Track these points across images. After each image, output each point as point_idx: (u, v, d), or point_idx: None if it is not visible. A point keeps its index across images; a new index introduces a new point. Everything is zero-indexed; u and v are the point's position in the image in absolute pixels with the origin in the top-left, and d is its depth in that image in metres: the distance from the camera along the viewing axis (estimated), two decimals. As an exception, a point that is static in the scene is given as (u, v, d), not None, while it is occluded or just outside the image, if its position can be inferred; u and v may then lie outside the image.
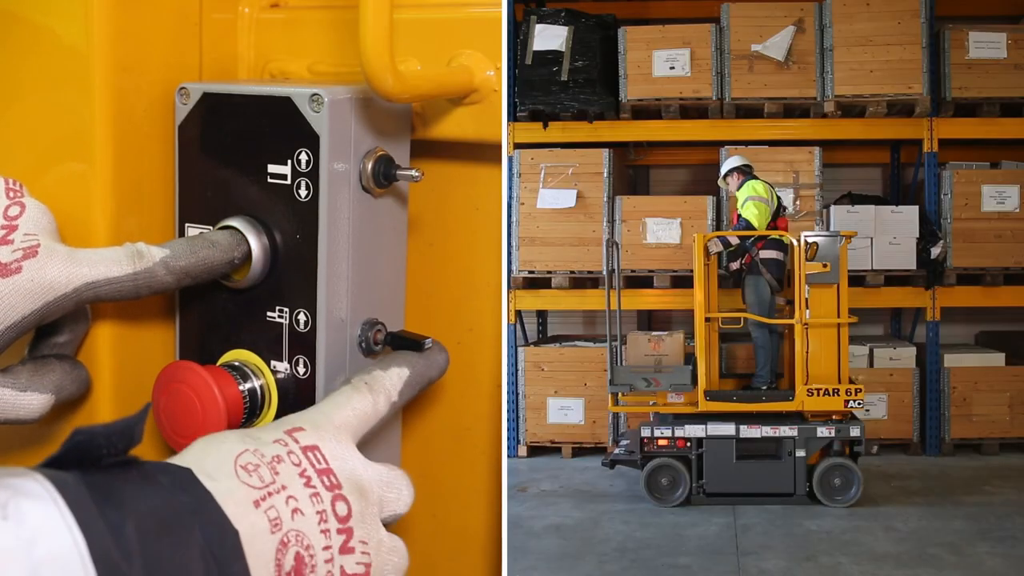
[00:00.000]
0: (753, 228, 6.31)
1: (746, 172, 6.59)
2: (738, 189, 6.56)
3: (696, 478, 5.97)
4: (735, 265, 6.47)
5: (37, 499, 0.72)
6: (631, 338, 6.84)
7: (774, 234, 6.35)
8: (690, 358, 6.49)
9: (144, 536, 0.76)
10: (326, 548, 0.93)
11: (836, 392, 5.94)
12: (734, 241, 6.36)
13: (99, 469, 0.79)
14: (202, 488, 0.85)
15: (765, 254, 6.37)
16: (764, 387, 6.31)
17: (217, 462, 0.90)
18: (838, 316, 6.04)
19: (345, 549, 0.94)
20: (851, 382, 6.01)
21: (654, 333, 7.01)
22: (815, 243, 6.06)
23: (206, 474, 0.87)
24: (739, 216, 6.48)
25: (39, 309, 1.07)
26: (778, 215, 6.48)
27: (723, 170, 6.75)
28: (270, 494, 0.90)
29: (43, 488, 0.73)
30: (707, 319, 6.21)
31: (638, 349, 6.77)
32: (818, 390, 5.94)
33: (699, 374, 6.09)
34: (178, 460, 0.89)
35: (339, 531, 0.94)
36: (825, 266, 5.99)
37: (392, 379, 1.13)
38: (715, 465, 5.95)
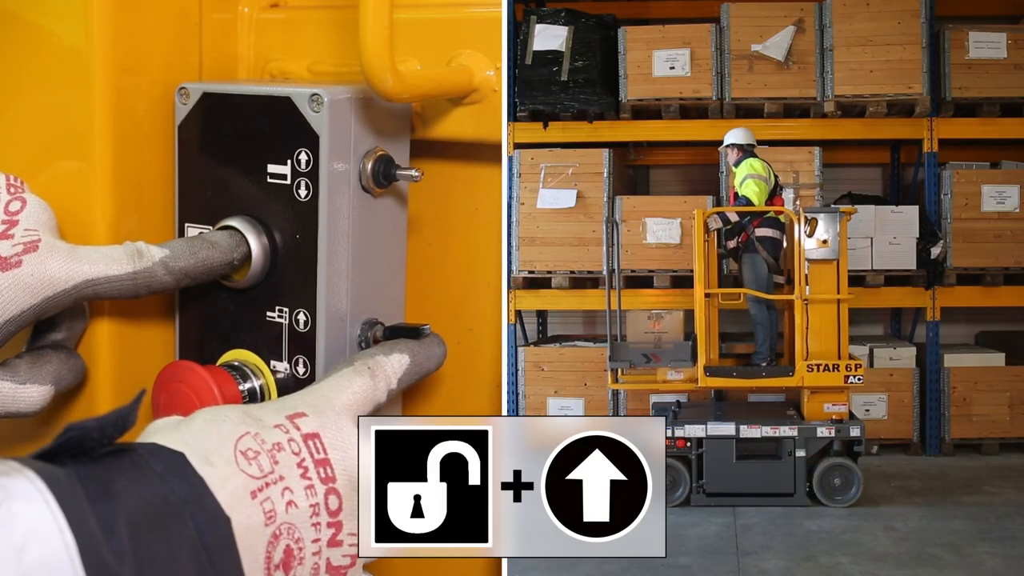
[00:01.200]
0: (752, 205, 6.31)
1: (746, 150, 6.59)
2: (736, 165, 6.55)
3: (696, 478, 5.97)
4: (732, 243, 6.47)
5: (28, 500, 0.72)
6: (631, 316, 6.82)
7: (772, 210, 6.34)
8: (689, 335, 6.47)
9: (135, 532, 0.75)
10: (315, 541, 0.93)
11: (836, 368, 5.94)
12: (733, 218, 6.35)
13: (92, 459, 0.78)
14: (196, 476, 0.84)
15: (761, 232, 6.36)
16: (764, 364, 6.29)
17: (216, 445, 0.89)
18: (838, 292, 6.04)
19: (333, 542, 0.95)
20: (851, 358, 6.01)
21: (654, 311, 6.97)
22: (815, 219, 6.06)
23: (203, 457, 0.86)
24: (736, 195, 6.47)
25: (38, 304, 1.07)
26: (775, 194, 6.46)
27: (727, 140, 6.73)
28: (267, 485, 0.90)
29: (34, 487, 0.72)
30: (707, 295, 6.21)
31: (637, 327, 6.74)
32: (818, 365, 5.95)
33: (699, 350, 6.08)
34: (176, 437, 0.89)
35: (329, 524, 0.94)
36: (824, 242, 5.99)
37: (393, 365, 1.12)
38: (715, 465, 5.95)
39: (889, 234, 7.15)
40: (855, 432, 5.90)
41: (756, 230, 6.35)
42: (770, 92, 7.29)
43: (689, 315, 6.65)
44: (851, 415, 6.11)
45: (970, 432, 7.22)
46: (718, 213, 6.37)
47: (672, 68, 7.39)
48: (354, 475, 0.98)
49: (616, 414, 7.29)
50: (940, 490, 6.34)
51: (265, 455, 0.92)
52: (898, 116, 7.40)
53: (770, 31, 7.31)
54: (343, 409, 1.03)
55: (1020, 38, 7.30)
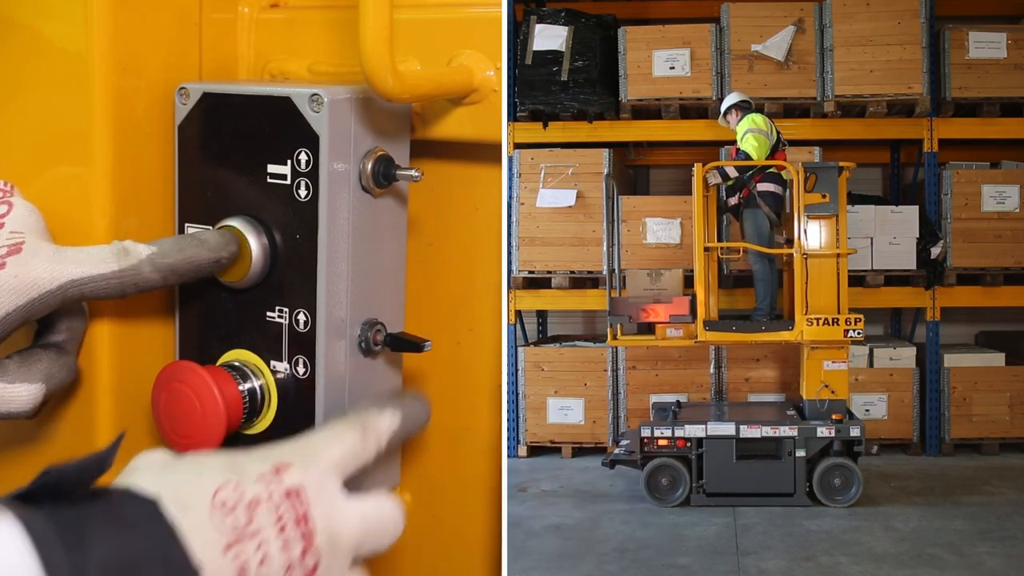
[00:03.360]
0: (751, 159, 6.28)
1: (745, 108, 6.57)
2: (738, 124, 6.54)
3: (696, 478, 5.97)
4: (733, 200, 6.45)
5: (4, 544, 0.73)
6: (630, 274, 6.79)
7: (773, 164, 6.30)
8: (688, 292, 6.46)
9: None
10: None
11: (836, 322, 5.96)
12: (732, 173, 6.34)
13: (68, 503, 0.80)
14: (168, 526, 0.84)
15: (763, 187, 6.32)
16: (764, 319, 6.28)
17: (195, 493, 0.88)
18: (837, 246, 6.04)
19: None
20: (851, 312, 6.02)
21: (653, 269, 6.93)
22: (814, 174, 6.05)
23: (181, 503, 0.86)
24: (738, 151, 6.45)
25: (24, 306, 1.07)
26: (777, 149, 6.43)
27: (723, 107, 6.72)
28: (240, 539, 0.88)
29: (11, 531, 0.74)
30: (706, 249, 6.19)
31: (637, 284, 6.72)
32: (818, 319, 5.96)
33: (698, 305, 6.07)
34: (156, 481, 0.88)
35: None
36: (824, 196, 5.99)
37: (386, 423, 1.10)
38: (715, 465, 5.94)
39: (889, 234, 7.15)
40: (855, 432, 5.89)
41: (757, 185, 6.32)
42: (770, 92, 7.29)
43: (688, 275, 6.61)
44: (851, 415, 6.10)
45: (970, 432, 7.22)
46: (717, 168, 6.34)
47: (672, 68, 7.39)
48: (336, 531, 0.96)
49: (616, 414, 7.30)
50: (940, 490, 6.34)
51: (242, 508, 0.90)
52: (898, 116, 7.40)
53: (770, 31, 7.31)
54: (330, 463, 1.01)
55: (1020, 38, 7.30)
